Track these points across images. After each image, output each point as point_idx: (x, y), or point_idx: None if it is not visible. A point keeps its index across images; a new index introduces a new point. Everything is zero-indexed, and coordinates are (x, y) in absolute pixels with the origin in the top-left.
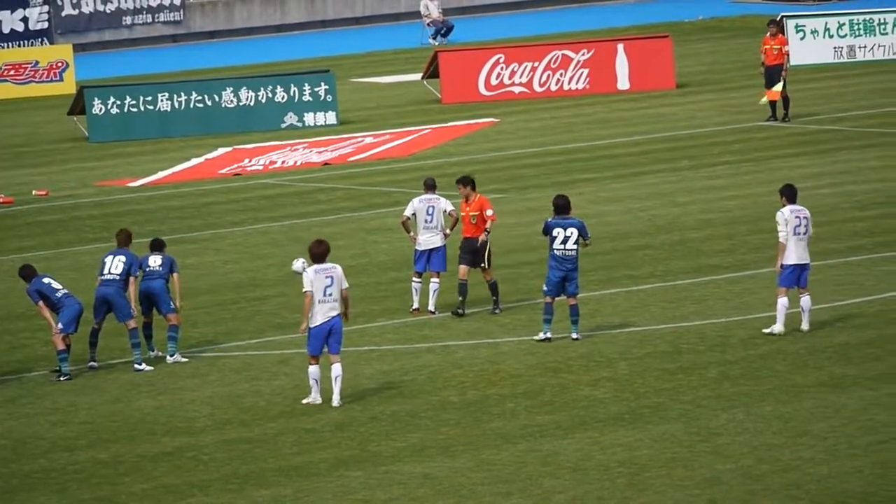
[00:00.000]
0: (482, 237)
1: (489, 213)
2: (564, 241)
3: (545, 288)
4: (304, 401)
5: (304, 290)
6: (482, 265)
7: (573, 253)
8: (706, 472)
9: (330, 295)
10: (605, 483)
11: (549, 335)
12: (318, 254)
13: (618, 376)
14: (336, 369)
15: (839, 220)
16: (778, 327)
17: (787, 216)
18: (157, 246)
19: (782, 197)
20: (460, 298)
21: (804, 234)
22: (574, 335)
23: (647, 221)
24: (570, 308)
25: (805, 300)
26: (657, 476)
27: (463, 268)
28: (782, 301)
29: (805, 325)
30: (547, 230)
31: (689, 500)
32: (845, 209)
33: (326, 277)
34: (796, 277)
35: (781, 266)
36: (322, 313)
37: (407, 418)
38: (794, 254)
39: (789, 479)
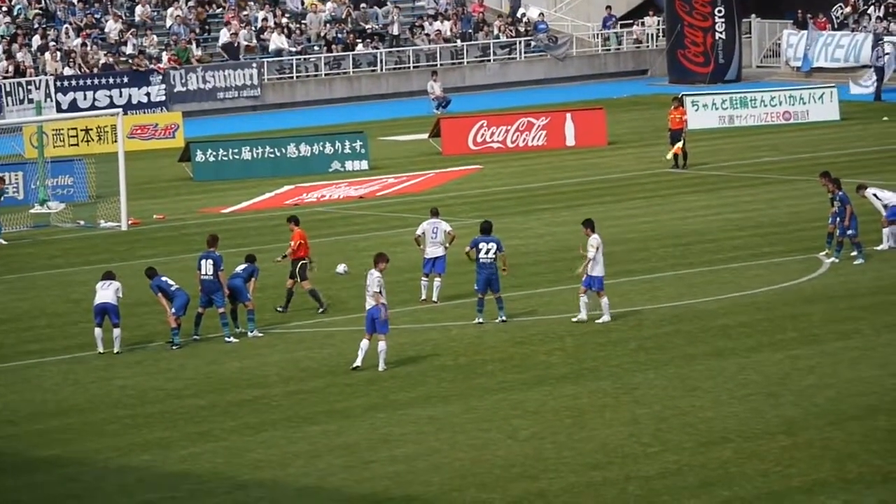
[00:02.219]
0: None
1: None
2: (487, 252)
3: (476, 287)
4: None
5: (374, 291)
6: (296, 279)
7: (491, 260)
8: (628, 415)
9: (368, 291)
10: (556, 422)
11: (481, 320)
12: (377, 260)
13: (565, 347)
14: (381, 345)
15: (721, 238)
16: (583, 315)
17: (600, 241)
18: (248, 258)
19: (587, 228)
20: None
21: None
22: (502, 318)
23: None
24: (497, 300)
25: (605, 300)
26: (593, 418)
27: (290, 280)
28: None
29: (607, 318)
30: (474, 244)
31: (616, 434)
32: (726, 230)
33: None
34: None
35: (588, 275)
36: (367, 304)
37: (417, 376)
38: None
39: (686, 420)
